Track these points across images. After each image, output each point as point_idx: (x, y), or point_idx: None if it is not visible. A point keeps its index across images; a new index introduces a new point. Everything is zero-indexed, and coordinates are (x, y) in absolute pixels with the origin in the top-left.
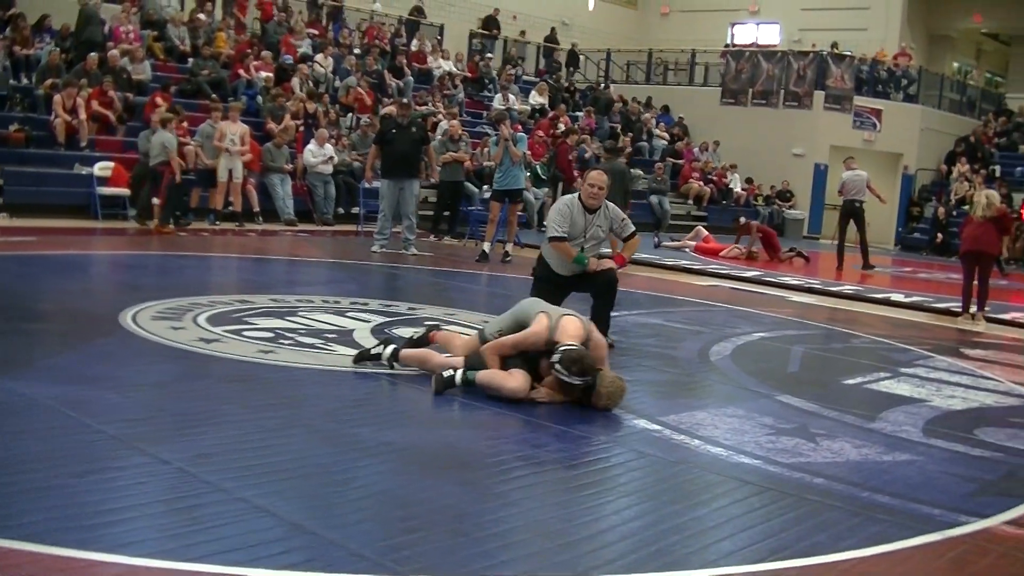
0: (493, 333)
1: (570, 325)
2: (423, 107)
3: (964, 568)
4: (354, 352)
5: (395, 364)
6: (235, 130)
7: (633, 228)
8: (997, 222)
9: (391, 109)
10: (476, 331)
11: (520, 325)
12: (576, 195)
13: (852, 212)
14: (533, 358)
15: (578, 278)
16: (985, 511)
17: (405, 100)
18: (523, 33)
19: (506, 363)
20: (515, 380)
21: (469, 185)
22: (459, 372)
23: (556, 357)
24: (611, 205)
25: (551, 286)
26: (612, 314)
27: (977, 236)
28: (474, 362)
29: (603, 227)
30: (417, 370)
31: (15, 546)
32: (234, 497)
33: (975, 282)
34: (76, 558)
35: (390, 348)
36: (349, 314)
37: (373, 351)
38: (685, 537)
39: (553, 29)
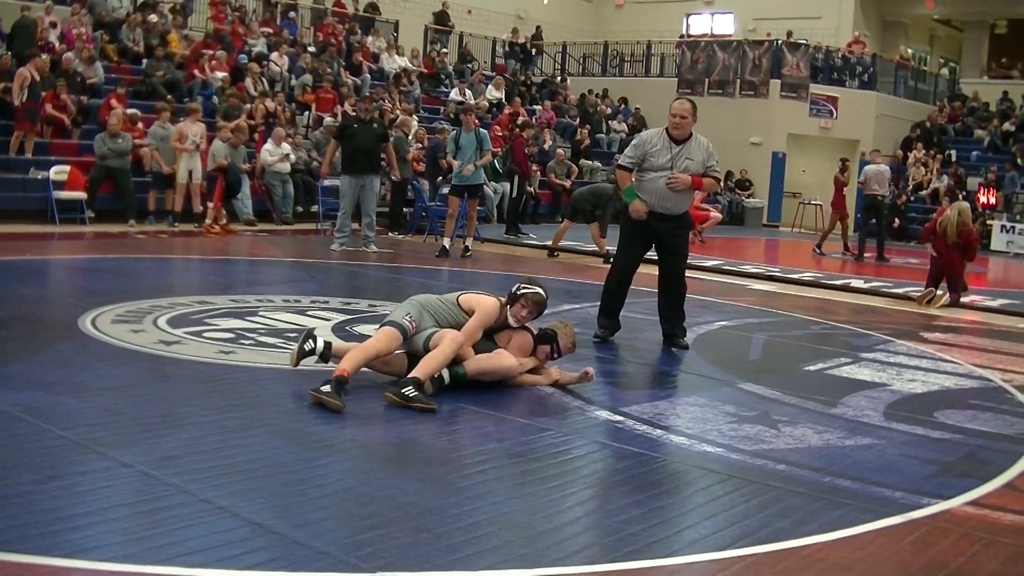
0: (429, 330)
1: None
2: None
3: (926, 550)
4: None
5: (330, 359)
6: (196, 131)
7: (718, 174)
8: (962, 249)
9: (347, 109)
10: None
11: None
12: (664, 127)
13: (873, 205)
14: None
15: (658, 234)
16: (946, 493)
17: (368, 94)
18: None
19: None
20: (508, 358)
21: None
22: (446, 370)
23: (519, 290)
24: (703, 139)
25: (637, 230)
26: (574, 305)
27: (948, 262)
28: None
29: (695, 159)
30: (374, 371)
31: None
32: (197, 499)
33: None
34: (39, 564)
35: (321, 342)
36: (310, 313)
37: (306, 347)
38: (649, 527)
39: (538, 27)
